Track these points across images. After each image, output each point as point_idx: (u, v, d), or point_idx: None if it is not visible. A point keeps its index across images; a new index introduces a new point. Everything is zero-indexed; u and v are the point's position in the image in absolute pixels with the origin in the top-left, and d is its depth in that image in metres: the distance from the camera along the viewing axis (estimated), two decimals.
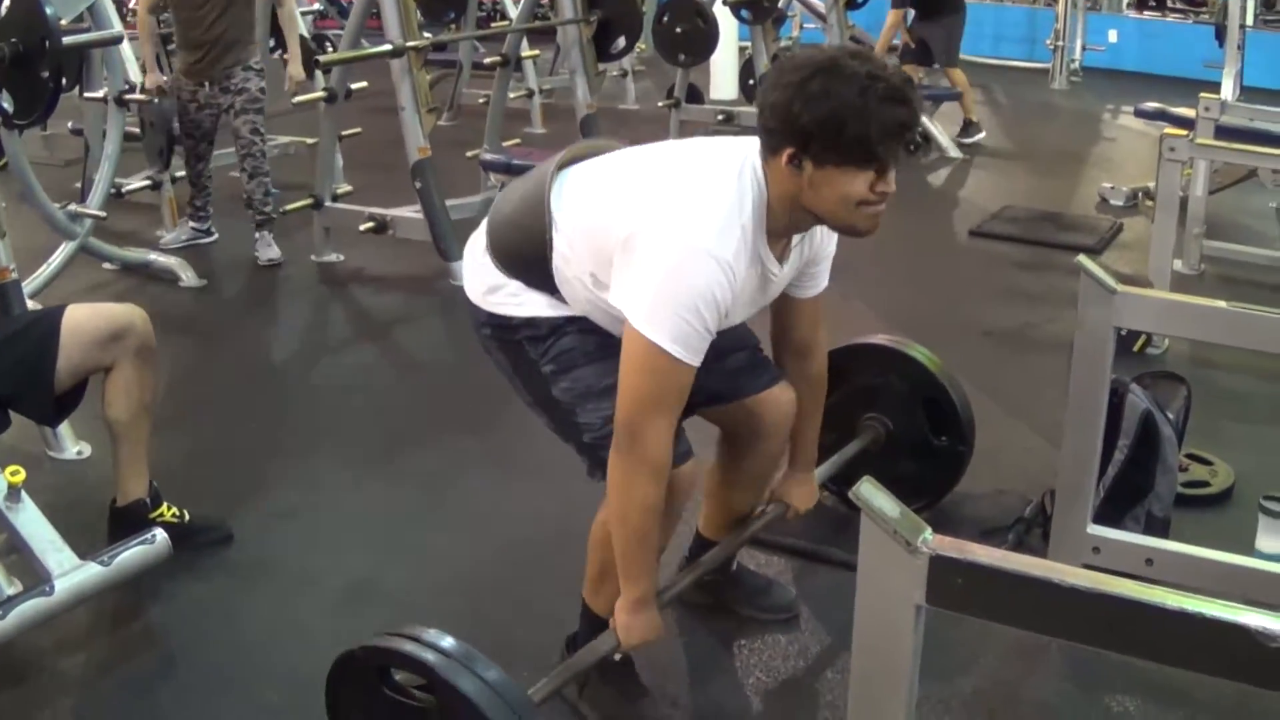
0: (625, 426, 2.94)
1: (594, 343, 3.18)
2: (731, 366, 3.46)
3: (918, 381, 4.35)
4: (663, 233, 2.88)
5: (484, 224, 3.35)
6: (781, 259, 3.12)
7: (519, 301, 3.21)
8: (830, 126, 2.75)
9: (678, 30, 10.34)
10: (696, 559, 3.79)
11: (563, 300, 3.17)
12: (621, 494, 3.01)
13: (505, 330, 3.26)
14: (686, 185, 2.98)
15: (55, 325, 3.98)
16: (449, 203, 7.31)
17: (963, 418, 4.33)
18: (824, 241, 3.30)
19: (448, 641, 2.74)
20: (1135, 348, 5.94)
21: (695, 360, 2.89)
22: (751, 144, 3.04)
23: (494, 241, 3.26)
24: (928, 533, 1.93)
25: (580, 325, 3.18)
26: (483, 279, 3.28)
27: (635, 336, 2.88)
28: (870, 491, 1.96)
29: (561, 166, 3.24)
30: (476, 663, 2.69)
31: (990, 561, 1.90)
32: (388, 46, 7.11)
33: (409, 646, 2.74)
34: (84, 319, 4.03)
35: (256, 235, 7.80)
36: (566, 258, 3.09)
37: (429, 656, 2.70)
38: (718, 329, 2.94)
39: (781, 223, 3.00)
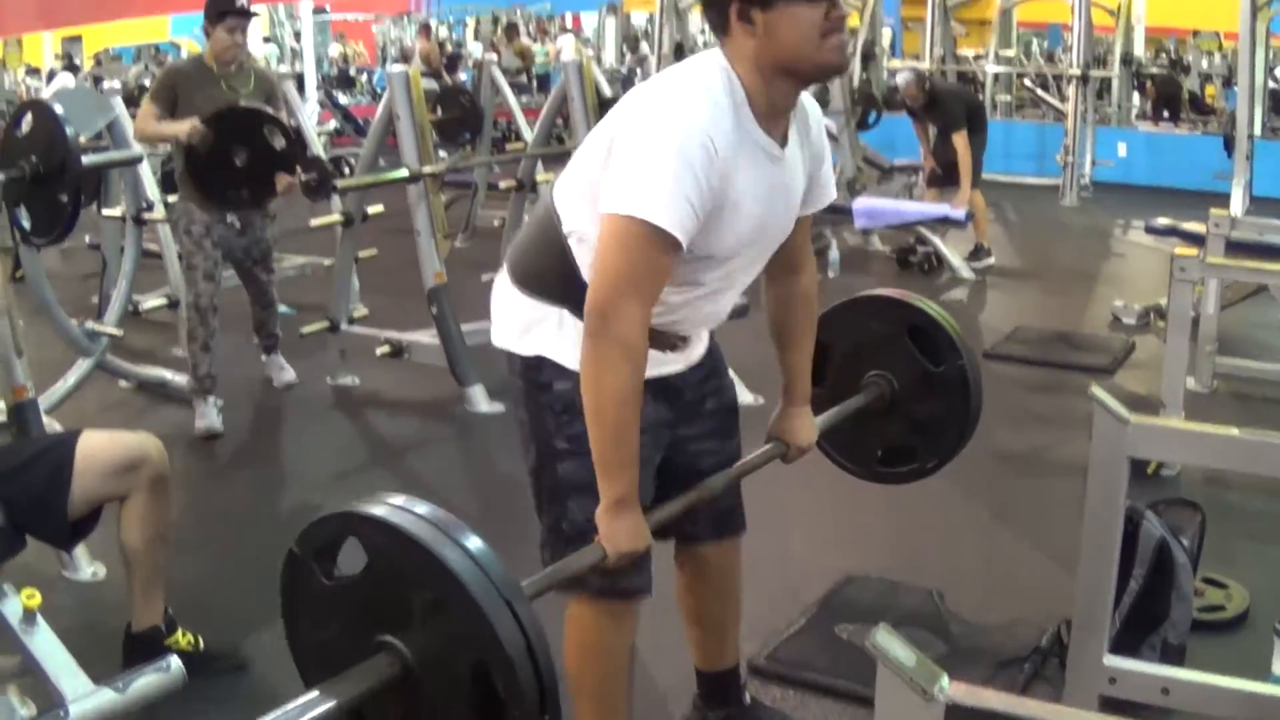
0: (596, 309, 2.86)
1: None
2: (715, 514, 3.51)
3: (900, 319, 4.08)
4: (632, 127, 2.89)
5: (504, 266, 3.32)
6: (782, 141, 3.08)
7: (547, 325, 3.16)
8: None
9: None
10: (708, 698, 3.84)
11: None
12: (595, 383, 2.91)
13: (534, 387, 3.22)
14: (649, 90, 2.99)
15: (70, 452, 3.99)
16: (464, 327, 7.34)
17: (950, 333, 4.11)
18: (819, 134, 3.30)
19: (424, 507, 2.45)
20: (1149, 470, 5.94)
21: (675, 227, 2.82)
22: (713, 51, 3.06)
23: (515, 268, 3.25)
24: (944, 680, 1.93)
25: None
26: (513, 315, 3.24)
27: (609, 218, 2.84)
28: (886, 640, 1.97)
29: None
30: (460, 532, 2.41)
31: (1006, 708, 1.90)
32: (404, 172, 7.19)
33: (378, 510, 2.45)
34: (99, 448, 4.05)
35: (265, 359, 7.79)
36: (581, 240, 3.07)
37: (403, 521, 2.40)
38: (703, 206, 2.88)
39: (762, 95, 2.97)
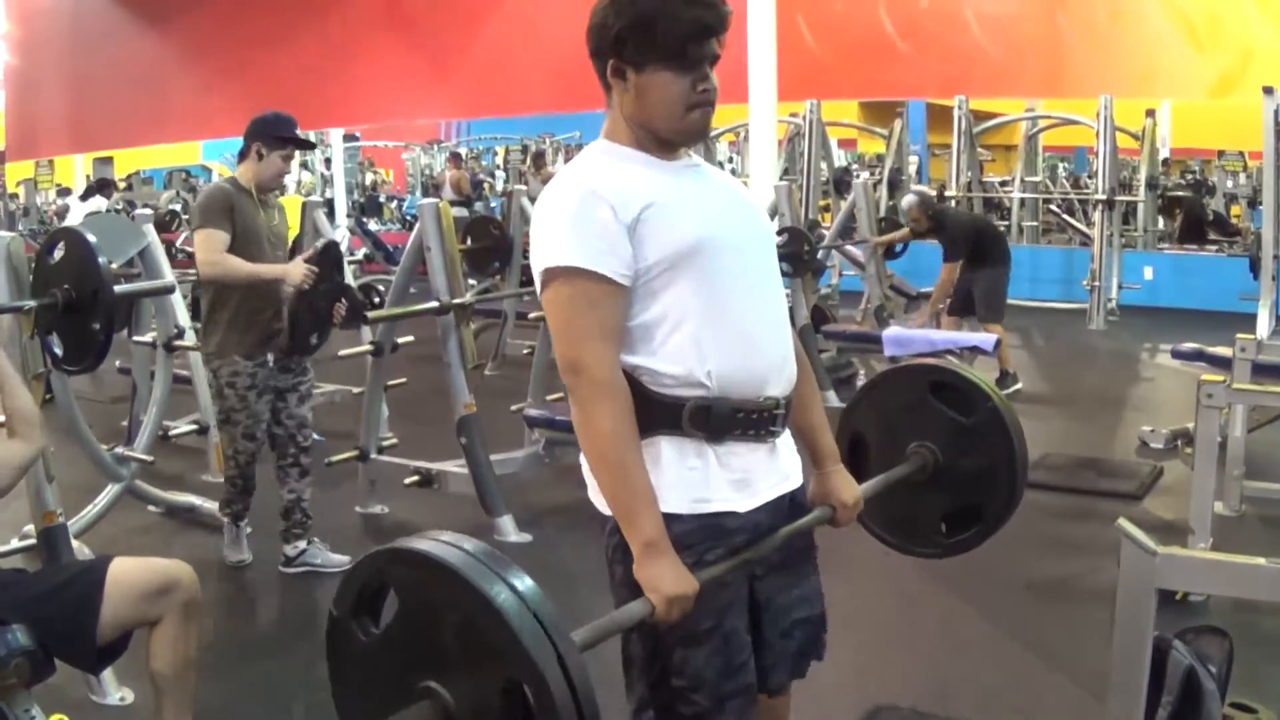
0: (564, 368, 2.95)
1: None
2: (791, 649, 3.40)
3: (919, 383, 4.08)
4: (533, 218, 3.08)
5: None
6: (687, 148, 3.21)
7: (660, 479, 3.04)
8: (640, 27, 2.97)
9: None
10: None
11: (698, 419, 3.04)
12: (587, 432, 2.95)
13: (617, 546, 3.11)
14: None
15: (101, 577, 4.02)
16: (494, 457, 7.40)
17: (970, 381, 4.09)
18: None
19: (471, 543, 2.46)
20: (1178, 597, 5.91)
21: (602, 267, 2.91)
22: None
23: None
24: None
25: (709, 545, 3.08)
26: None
27: (541, 285, 2.98)
28: None
29: None
30: (508, 569, 2.40)
31: None
32: (435, 304, 7.24)
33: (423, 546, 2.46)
34: (130, 573, 4.07)
35: (306, 545, 6.95)
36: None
37: (450, 556, 2.41)
38: (626, 220, 2.96)
39: (645, 138, 3.11)
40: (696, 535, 3.05)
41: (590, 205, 2.95)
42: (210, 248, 6.30)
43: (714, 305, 3.05)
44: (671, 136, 3.11)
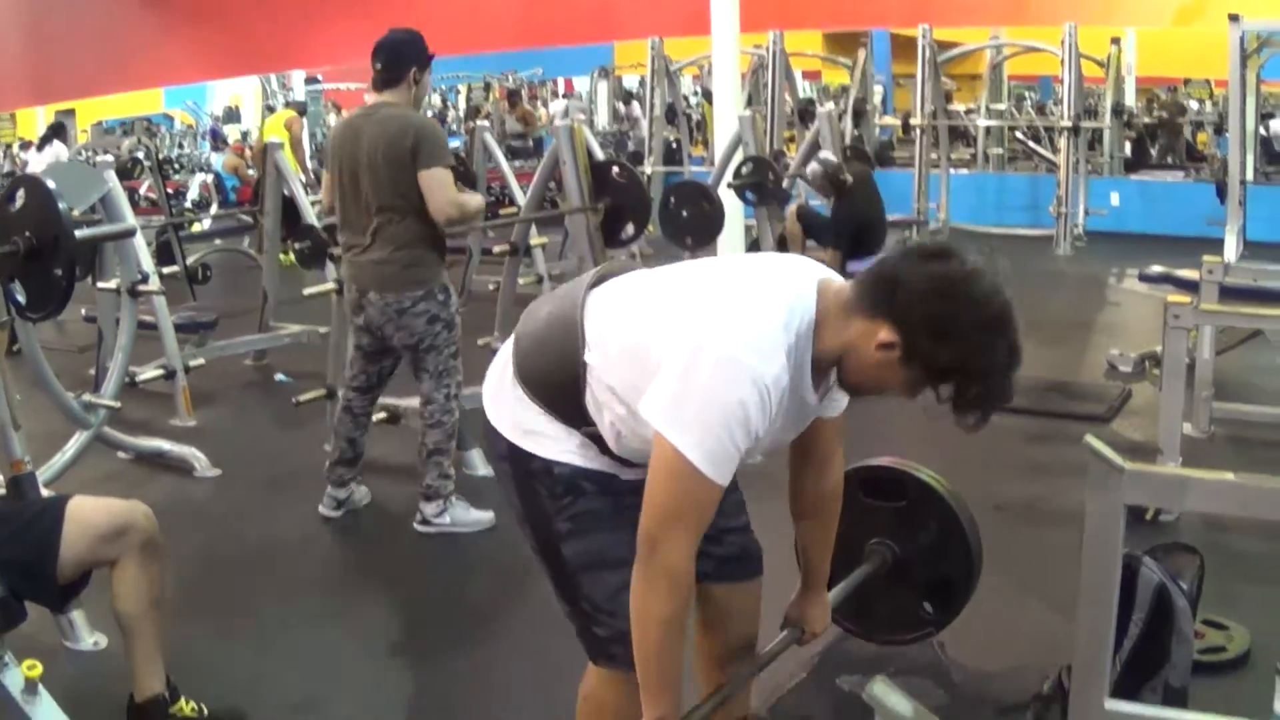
0: (646, 536, 2.91)
1: (614, 507, 3.17)
2: (722, 553, 3.49)
3: (851, 484, 4.11)
4: (711, 348, 2.86)
5: (509, 346, 3.31)
6: (819, 390, 3.10)
7: (545, 442, 3.16)
8: (951, 365, 2.91)
9: (684, 214, 10.38)
10: None
11: (595, 442, 3.14)
12: (642, 609, 2.96)
13: (525, 475, 3.21)
14: (738, 303, 2.97)
15: (59, 517, 4.01)
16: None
17: (885, 467, 4.32)
18: None
19: None
20: (1148, 516, 5.93)
21: (722, 480, 2.87)
22: (806, 270, 3.09)
23: (522, 366, 3.22)
24: None
25: (604, 485, 3.16)
26: (509, 406, 3.23)
27: (664, 445, 2.85)
28: (883, 691, 1.97)
29: (593, 285, 3.22)
30: None
31: None
32: None
33: None
34: (87, 512, 4.07)
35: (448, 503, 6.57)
36: (604, 382, 3.06)
37: None
38: (746, 451, 2.91)
39: (825, 360, 3.00)
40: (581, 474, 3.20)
41: (758, 415, 2.86)
42: (450, 186, 6.07)
43: None
44: (857, 392, 3.16)
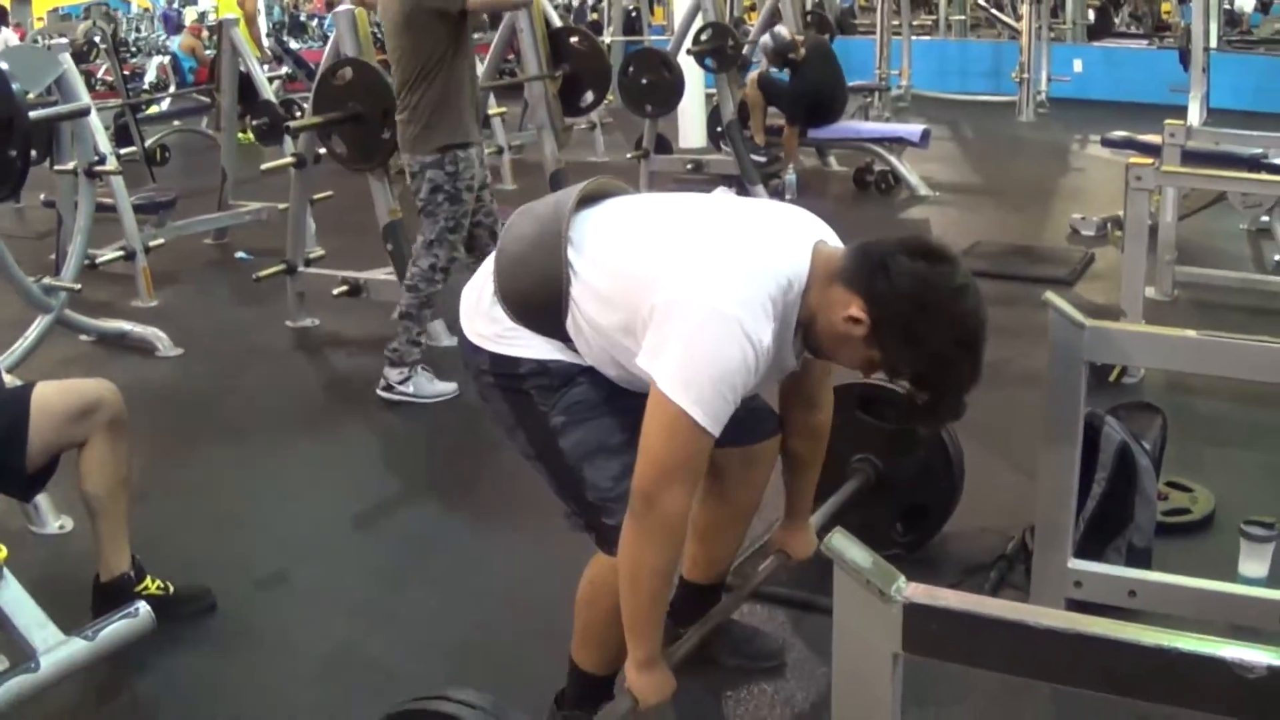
0: (642, 491, 2.87)
1: (608, 393, 3.14)
2: (734, 415, 3.48)
3: (846, 403, 4.23)
4: (707, 302, 2.83)
5: (489, 264, 3.25)
6: (800, 351, 3.11)
7: (529, 345, 3.14)
8: (911, 369, 2.91)
9: (643, 82, 10.34)
10: (683, 603, 3.80)
11: (575, 350, 3.12)
12: (633, 557, 2.94)
13: (511, 377, 3.17)
14: (735, 256, 2.93)
15: (25, 405, 3.96)
16: None
17: (890, 390, 4.29)
18: None
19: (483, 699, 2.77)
20: (1111, 378, 5.95)
21: (717, 430, 2.85)
22: (805, 228, 3.07)
23: (504, 285, 3.17)
24: (901, 581, 1.92)
25: (593, 375, 3.13)
26: (489, 323, 3.19)
27: (662, 400, 2.82)
28: (842, 543, 1.96)
29: (578, 206, 3.17)
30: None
31: (965, 607, 1.89)
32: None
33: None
34: (53, 396, 4.02)
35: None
36: (585, 310, 3.03)
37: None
38: (739, 401, 2.90)
39: (811, 326, 2.99)
40: (571, 369, 3.18)
41: (752, 367, 2.85)
42: None
43: None
44: (826, 359, 3.18)
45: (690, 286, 2.86)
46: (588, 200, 3.21)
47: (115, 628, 3.67)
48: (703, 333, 2.81)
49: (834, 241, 3.08)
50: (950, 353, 2.84)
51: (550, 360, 3.13)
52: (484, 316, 3.21)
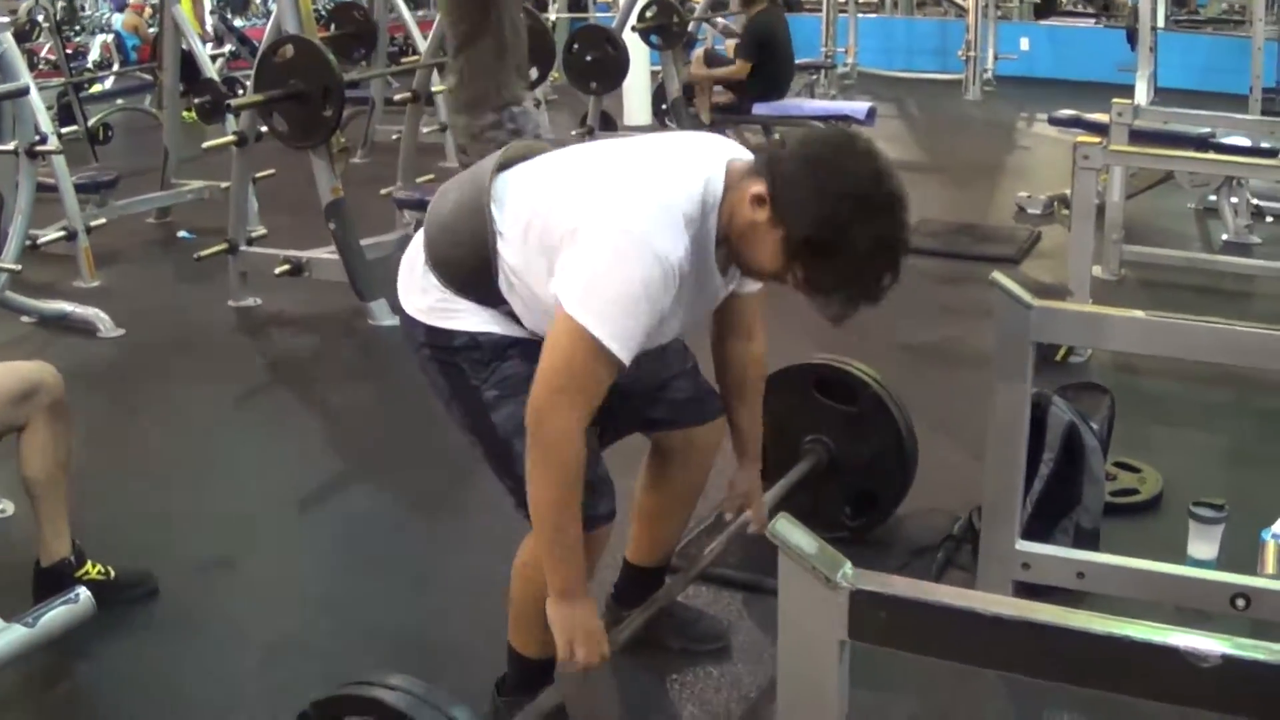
0: (534, 408, 2.84)
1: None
2: (675, 398, 3.47)
3: (802, 381, 4.40)
4: (612, 223, 2.82)
5: (420, 234, 3.26)
6: (725, 270, 3.06)
7: (464, 317, 3.13)
8: (806, 233, 2.77)
9: (588, 58, 10.31)
10: (627, 586, 3.82)
11: (512, 317, 3.10)
12: (533, 489, 2.91)
13: (446, 351, 3.16)
14: (643, 179, 2.93)
15: None
16: (364, 242, 7.27)
17: (850, 372, 4.39)
18: None
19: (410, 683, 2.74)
20: (1058, 357, 5.96)
21: (624, 355, 2.80)
22: (717, 148, 3.04)
23: (434, 254, 3.17)
24: (847, 567, 1.90)
25: (526, 350, 3.09)
26: (423, 294, 3.19)
27: (564, 319, 2.79)
28: (786, 528, 1.94)
29: (498, 170, 3.16)
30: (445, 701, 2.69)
31: (912, 594, 1.87)
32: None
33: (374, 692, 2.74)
34: None
35: None
36: (514, 267, 3.02)
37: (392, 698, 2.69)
38: (651, 331, 2.86)
39: (726, 239, 2.95)
40: (504, 342, 3.16)
41: (663, 295, 2.81)
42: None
43: None
44: (750, 275, 3.13)
45: (597, 211, 2.86)
46: (510, 163, 3.21)
47: (56, 614, 3.61)
48: (608, 252, 2.80)
49: (746, 156, 3.05)
50: (845, 211, 2.73)
51: (481, 333, 3.12)
52: (418, 288, 3.21)
